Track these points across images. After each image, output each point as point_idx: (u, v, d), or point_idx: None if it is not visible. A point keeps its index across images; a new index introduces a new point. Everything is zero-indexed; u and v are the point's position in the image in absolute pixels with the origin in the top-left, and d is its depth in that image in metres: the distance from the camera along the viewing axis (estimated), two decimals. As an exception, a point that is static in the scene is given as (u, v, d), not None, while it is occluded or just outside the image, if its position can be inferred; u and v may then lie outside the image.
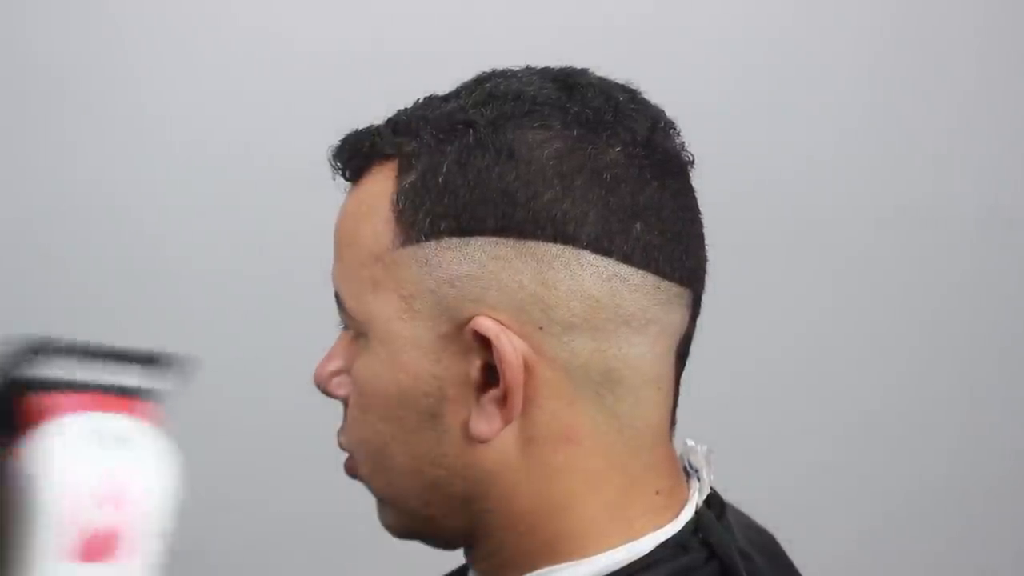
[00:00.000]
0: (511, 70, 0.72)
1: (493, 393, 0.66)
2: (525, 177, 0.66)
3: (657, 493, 0.70)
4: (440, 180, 0.67)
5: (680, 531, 0.70)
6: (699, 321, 0.73)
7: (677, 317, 0.70)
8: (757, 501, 0.84)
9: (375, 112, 0.73)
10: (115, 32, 1.57)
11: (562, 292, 0.66)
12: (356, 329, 0.72)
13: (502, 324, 0.65)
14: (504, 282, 0.66)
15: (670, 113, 0.72)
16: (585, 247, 0.65)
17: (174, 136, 1.56)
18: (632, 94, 0.72)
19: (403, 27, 1.61)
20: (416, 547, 0.75)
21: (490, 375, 0.66)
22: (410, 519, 0.73)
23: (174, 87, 1.58)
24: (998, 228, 1.79)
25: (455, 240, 0.66)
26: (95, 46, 1.56)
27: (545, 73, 0.71)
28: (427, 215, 0.67)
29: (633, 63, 0.78)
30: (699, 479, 0.74)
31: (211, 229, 1.54)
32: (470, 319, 0.66)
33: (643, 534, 0.69)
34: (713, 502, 0.74)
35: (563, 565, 0.68)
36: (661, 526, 0.69)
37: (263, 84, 1.58)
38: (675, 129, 0.71)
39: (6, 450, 0.60)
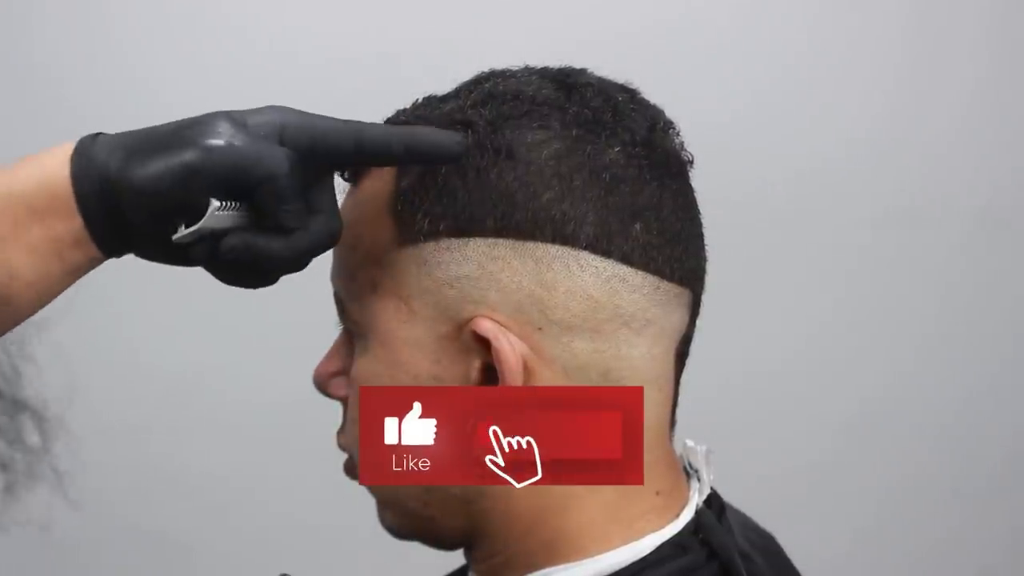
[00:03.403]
0: (510, 70, 0.72)
1: (492, 394, 0.66)
2: (524, 178, 0.65)
3: (657, 493, 0.70)
4: (438, 181, 0.67)
5: (680, 531, 0.69)
6: (699, 321, 0.73)
7: (676, 317, 0.70)
8: (757, 501, 0.83)
9: (374, 112, 0.73)
10: (114, 33, 1.57)
11: (561, 293, 0.65)
12: (355, 330, 0.72)
13: (501, 325, 0.65)
14: (503, 283, 0.66)
15: (669, 113, 0.72)
16: (584, 248, 0.65)
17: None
18: (631, 94, 0.71)
19: (403, 27, 1.61)
20: (416, 548, 0.75)
21: (489, 376, 0.66)
22: (409, 520, 0.73)
23: (172, 87, 1.58)
24: (994, 228, 1.79)
25: (454, 241, 0.66)
26: (92, 47, 1.56)
27: (544, 73, 0.71)
28: (425, 216, 0.67)
29: (632, 63, 0.77)
30: (699, 479, 0.74)
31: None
32: (470, 320, 0.66)
33: (643, 534, 0.69)
34: (713, 503, 0.74)
35: (563, 566, 0.68)
36: (661, 526, 0.69)
37: (261, 85, 1.57)
38: (674, 129, 0.71)
39: None
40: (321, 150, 0.64)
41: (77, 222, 0.64)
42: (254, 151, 0.63)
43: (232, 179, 0.63)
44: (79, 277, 0.67)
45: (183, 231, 0.64)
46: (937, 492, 1.82)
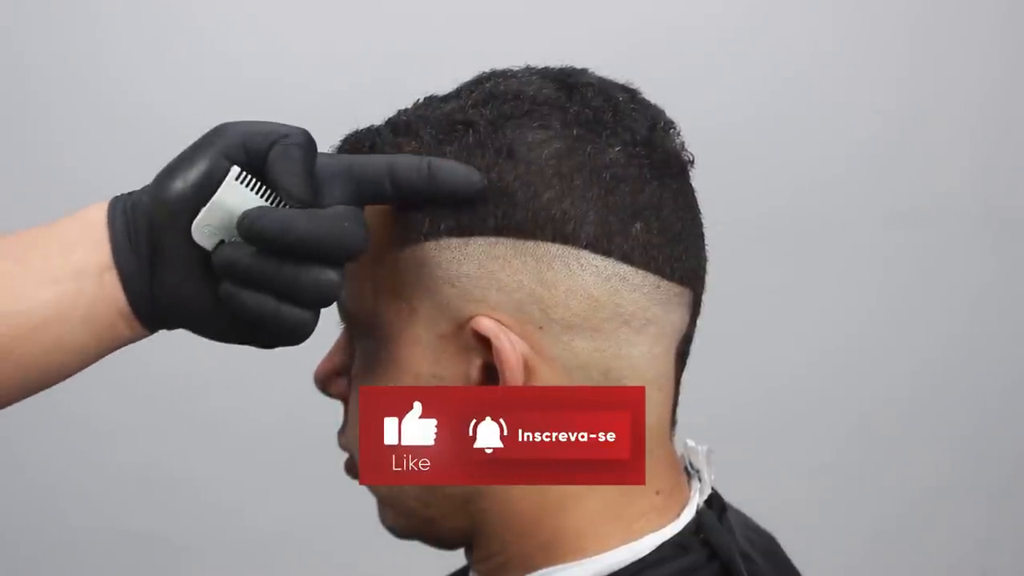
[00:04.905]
0: (511, 70, 0.72)
1: (493, 393, 0.66)
2: (524, 177, 0.66)
3: (657, 493, 0.70)
4: (439, 180, 0.67)
5: (681, 531, 0.70)
6: (702, 321, 0.73)
7: (677, 317, 0.70)
8: (757, 501, 0.83)
9: (375, 112, 0.73)
10: (115, 35, 1.57)
11: (561, 292, 0.66)
12: (356, 329, 0.72)
13: (502, 324, 0.65)
14: (504, 282, 0.66)
15: (670, 113, 0.72)
16: (584, 247, 0.65)
17: (172, 136, 1.55)
18: (632, 94, 0.71)
19: (403, 27, 1.61)
20: (417, 548, 0.75)
21: (490, 375, 0.66)
22: (410, 520, 0.73)
23: (173, 87, 1.58)
24: (996, 228, 1.79)
25: (455, 240, 0.66)
26: (91, 48, 1.56)
27: (545, 73, 0.71)
28: (426, 215, 0.67)
29: (633, 63, 0.78)
30: (700, 479, 0.74)
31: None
32: (470, 319, 0.66)
33: (643, 534, 0.69)
34: (714, 503, 0.74)
35: (562, 566, 0.68)
36: (662, 526, 0.69)
37: (262, 84, 1.58)
38: (675, 129, 0.71)
39: None
40: (357, 174, 0.65)
41: (104, 251, 0.63)
42: (274, 122, 0.64)
43: (250, 136, 0.63)
44: (99, 323, 0.64)
45: (203, 213, 0.63)
46: (939, 493, 1.82)
